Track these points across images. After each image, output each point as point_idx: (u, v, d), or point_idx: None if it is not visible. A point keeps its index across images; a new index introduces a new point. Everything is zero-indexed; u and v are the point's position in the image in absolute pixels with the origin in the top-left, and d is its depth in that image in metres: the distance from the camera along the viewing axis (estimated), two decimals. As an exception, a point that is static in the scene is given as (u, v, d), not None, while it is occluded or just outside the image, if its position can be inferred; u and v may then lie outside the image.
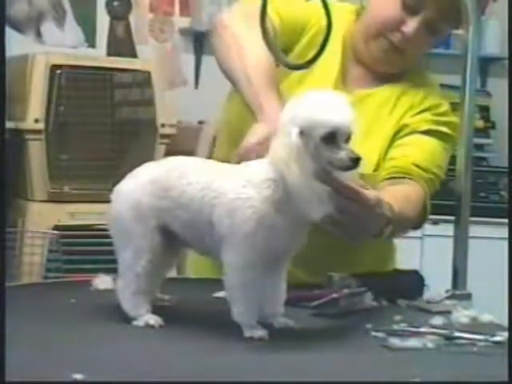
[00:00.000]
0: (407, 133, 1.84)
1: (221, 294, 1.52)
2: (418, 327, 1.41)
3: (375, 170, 1.80)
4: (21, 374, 1.10)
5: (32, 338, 1.30)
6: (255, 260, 1.34)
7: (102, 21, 4.62)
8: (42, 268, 3.66)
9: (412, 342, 1.35)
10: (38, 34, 4.49)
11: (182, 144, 3.68)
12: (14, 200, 3.77)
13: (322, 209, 1.32)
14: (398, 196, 1.65)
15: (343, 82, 1.85)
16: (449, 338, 1.38)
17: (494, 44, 5.03)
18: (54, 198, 3.77)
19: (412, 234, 1.80)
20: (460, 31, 1.79)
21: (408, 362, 1.28)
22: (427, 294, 1.72)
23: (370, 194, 1.43)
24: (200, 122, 4.31)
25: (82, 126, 3.84)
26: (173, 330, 1.39)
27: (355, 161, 1.32)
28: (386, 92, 1.88)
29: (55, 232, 3.70)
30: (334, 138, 1.31)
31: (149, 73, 3.92)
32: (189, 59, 4.78)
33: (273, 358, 1.26)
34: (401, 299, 1.68)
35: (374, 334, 1.40)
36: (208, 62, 4.52)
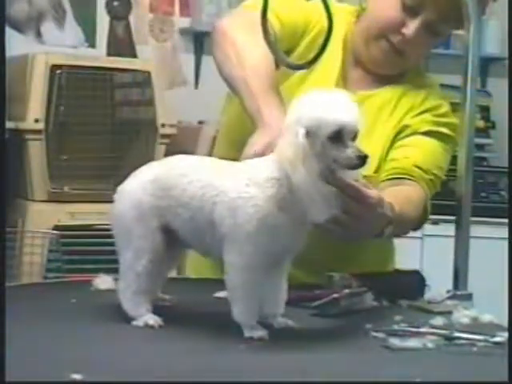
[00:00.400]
0: (408, 134, 1.84)
1: (221, 294, 1.52)
2: (418, 327, 1.41)
3: (376, 172, 1.80)
4: (21, 374, 1.10)
5: (32, 337, 1.30)
6: (257, 260, 1.34)
7: (102, 21, 4.62)
8: (42, 268, 3.66)
9: (412, 343, 1.35)
10: (38, 34, 4.49)
11: (182, 144, 3.68)
12: (14, 200, 3.77)
13: (328, 211, 1.32)
14: (399, 196, 1.65)
15: (344, 83, 1.85)
16: (449, 339, 1.38)
17: (494, 44, 5.03)
18: (54, 198, 3.77)
19: (412, 233, 1.80)
20: (460, 31, 1.79)
21: (408, 361, 1.28)
22: (428, 295, 1.72)
23: (372, 193, 1.43)
24: (200, 122, 4.31)
25: (82, 126, 3.84)
26: (173, 330, 1.39)
27: (363, 159, 1.32)
28: (387, 93, 1.88)
29: (55, 232, 3.70)
30: (340, 136, 1.31)
31: (149, 73, 3.92)
32: (189, 59, 4.78)
33: (273, 358, 1.26)
34: (402, 299, 1.68)
35: (374, 334, 1.40)
36: (208, 62, 4.52)
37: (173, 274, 1.76)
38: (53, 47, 4.36)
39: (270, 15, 1.54)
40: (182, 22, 4.76)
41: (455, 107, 1.84)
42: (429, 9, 1.78)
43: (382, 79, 1.89)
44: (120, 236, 1.45)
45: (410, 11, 1.79)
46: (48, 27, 4.50)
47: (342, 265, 1.73)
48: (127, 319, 1.42)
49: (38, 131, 3.71)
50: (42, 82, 3.71)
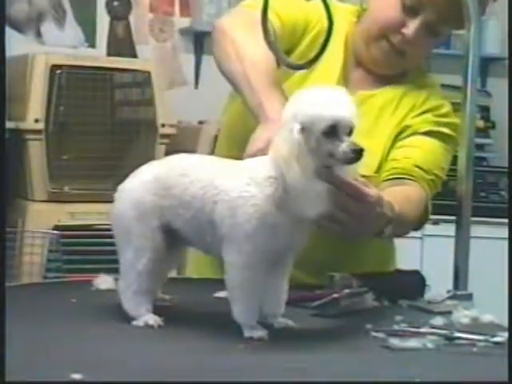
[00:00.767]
0: (409, 134, 1.84)
1: (221, 294, 1.52)
2: (418, 327, 1.41)
3: (377, 172, 1.80)
4: (21, 374, 1.10)
5: (32, 337, 1.30)
6: (256, 259, 1.34)
7: (102, 21, 4.62)
8: (42, 268, 3.67)
9: (412, 343, 1.35)
10: (38, 34, 4.49)
11: (182, 144, 3.68)
12: (14, 200, 3.78)
13: (319, 207, 1.32)
14: (399, 196, 1.65)
15: (345, 83, 1.85)
16: (449, 339, 1.38)
17: (494, 44, 5.03)
18: (54, 198, 3.77)
19: (412, 233, 1.80)
20: (460, 31, 1.79)
21: (408, 362, 1.28)
22: (428, 295, 1.72)
23: (371, 191, 1.43)
24: (200, 122, 4.31)
25: (82, 126, 3.84)
26: (173, 330, 1.39)
27: (358, 152, 1.31)
28: (388, 93, 1.88)
29: (55, 232, 3.70)
30: (335, 131, 1.31)
31: (149, 73, 3.93)
32: (189, 59, 4.78)
33: (273, 358, 1.26)
34: (402, 299, 1.68)
35: (374, 334, 1.40)
36: (208, 62, 4.52)
37: (173, 274, 1.76)
38: (53, 47, 4.36)
39: (270, 14, 1.54)
40: (182, 21, 4.76)
41: (455, 107, 1.84)
42: (429, 9, 1.78)
43: (383, 79, 1.89)
44: (120, 235, 1.45)
45: (410, 11, 1.80)
46: (48, 27, 4.50)
47: (342, 265, 1.73)
48: (127, 319, 1.42)
49: (38, 131, 3.71)
50: (42, 82, 3.71)
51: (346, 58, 1.88)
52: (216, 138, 2.13)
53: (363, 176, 1.44)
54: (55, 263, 3.70)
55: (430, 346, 1.35)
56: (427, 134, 1.84)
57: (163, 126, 3.93)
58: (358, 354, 1.31)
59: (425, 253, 4.47)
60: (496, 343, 1.36)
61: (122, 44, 4.66)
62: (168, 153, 3.64)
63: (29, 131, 3.71)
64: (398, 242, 1.98)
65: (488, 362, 1.30)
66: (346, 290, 1.58)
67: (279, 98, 1.56)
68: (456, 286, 1.74)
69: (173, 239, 1.44)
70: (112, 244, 1.47)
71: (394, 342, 1.35)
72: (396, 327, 1.43)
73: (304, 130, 1.31)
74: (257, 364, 1.23)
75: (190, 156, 1.46)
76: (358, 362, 1.28)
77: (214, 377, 1.16)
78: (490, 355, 1.32)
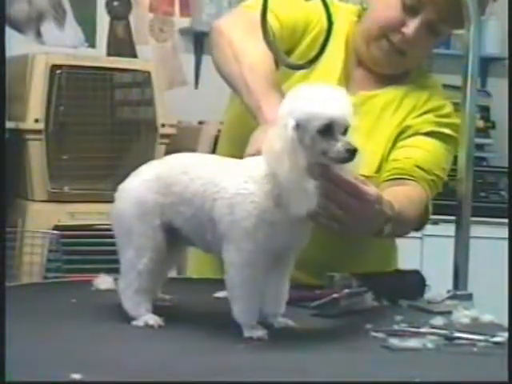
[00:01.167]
0: (410, 134, 1.84)
1: (221, 294, 1.52)
2: (418, 327, 1.41)
3: (377, 172, 1.80)
4: (21, 374, 1.10)
5: (32, 338, 1.30)
6: (256, 257, 1.34)
7: (102, 21, 4.62)
8: (42, 268, 3.67)
9: (412, 343, 1.35)
10: (38, 34, 4.49)
11: (181, 144, 3.68)
12: (14, 200, 3.78)
13: (308, 204, 1.31)
14: (400, 196, 1.65)
15: (346, 83, 1.85)
16: (449, 339, 1.38)
17: (494, 44, 5.03)
18: (54, 198, 3.77)
19: (412, 233, 1.80)
20: (461, 31, 1.79)
21: (408, 362, 1.28)
22: (428, 295, 1.72)
23: (370, 189, 1.43)
24: (200, 122, 4.31)
25: (82, 126, 3.84)
26: (173, 330, 1.39)
27: (352, 152, 1.31)
28: (390, 94, 1.88)
29: (55, 232, 3.70)
30: (330, 130, 1.31)
31: (149, 73, 3.93)
32: (189, 59, 4.78)
33: (273, 358, 1.26)
34: (402, 299, 1.68)
35: (374, 334, 1.40)
36: (208, 61, 4.52)
37: (173, 274, 1.76)
38: (53, 47, 4.36)
39: (269, 16, 1.53)
40: (182, 21, 4.76)
41: (455, 107, 1.84)
42: (428, 8, 1.78)
43: (384, 79, 1.89)
44: (121, 235, 1.45)
45: (410, 10, 1.80)
46: (48, 27, 4.50)
47: (343, 266, 1.73)
48: (127, 319, 1.42)
49: (38, 131, 3.72)
50: (42, 81, 3.72)
51: (347, 58, 1.88)
52: (216, 137, 2.13)
53: (363, 176, 1.44)
54: (55, 263, 3.70)
55: (430, 346, 1.34)
56: (428, 134, 1.84)
57: (163, 126, 3.93)
58: (358, 354, 1.31)
59: (425, 253, 4.47)
60: (496, 343, 1.36)
61: (122, 44, 4.66)
62: (168, 153, 3.62)
63: (29, 131, 3.71)
64: (397, 242, 1.98)
65: (488, 362, 1.30)
66: (346, 290, 1.58)
67: (277, 99, 1.55)
68: (456, 286, 1.74)
69: (174, 238, 1.44)
70: (112, 244, 1.47)
71: (394, 342, 1.35)
72: (396, 327, 1.43)
73: (299, 126, 1.31)
74: (257, 364, 1.23)
75: (190, 155, 1.46)
76: (358, 361, 1.28)
77: (214, 377, 1.16)
78: (490, 355, 1.32)
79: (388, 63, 1.86)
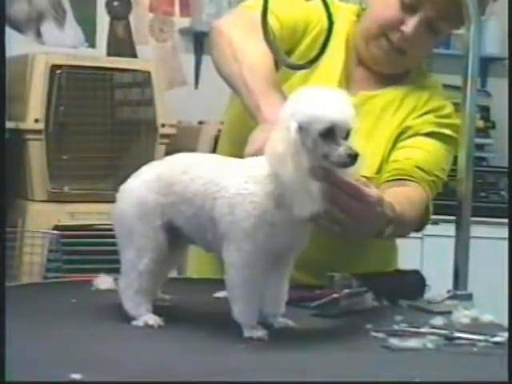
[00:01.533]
0: (410, 135, 1.84)
1: (221, 294, 1.52)
2: (418, 327, 1.41)
3: (378, 173, 1.80)
4: (21, 374, 1.10)
5: (32, 338, 1.30)
6: (256, 257, 1.34)
7: (102, 21, 4.62)
8: (42, 268, 3.67)
9: (412, 343, 1.35)
10: (38, 34, 4.49)
11: (181, 144, 3.68)
12: (14, 200, 3.78)
13: (312, 206, 1.31)
14: (400, 197, 1.65)
15: (347, 83, 1.85)
16: (449, 339, 1.38)
17: (494, 44, 5.03)
18: (54, 198, 3.77)
19: (412, 234, 1.80)
20: (460, 31, 1.79)
21: (408, 362, 1.28)
22: (428, 295, 1.72)
23: (371, 191, 1.43)
24: (200, 122, 4.31)
25: (82, 126, 3.84)
26: (173, 330, 1.39)
27: (353, 157, 1.31)
28: (390, 94, 1.88)
29: (55, 232, 3.70)
30: (332, 133, 1.31)
31: (149, 73, 3.93)
32: (189, 59, 4.78)
33: (273, 358, 1.26)
34: (402, 299, 1.68)
35: (374, 334, 1.40)
36: (208, 61, 4.52)
37: (173, 274, 1.76)
38: (53, 47, 4.36)
39: (269, 15, 1.53)
40: (182, 21, 4.76)
41: (455, 107, 1.84)
42: (427, 6, 1.78)
43: (384, 79, 1.89)
44: (122, 235, 1.45)
45: (409, 9, 1.80)
46: (48, 27, 4.50)
47: (343, 267, 1.72)
48: (127, 319, 1.42)
49: (38, 131, 3.72)
50: (42, 82, 3.72)
51: (348, 58, 1.88)
52: (216, 137, 2.13)
53: (364, 177, 1.44)
54: (55, 263, 3.70)
55: (430, 346, 1.34)
56: (428, 135, 1.84)
57: (163, 125, 3.93)
58: (358, 354, 1.31)
59: (425, 253, 4.47)
60: (496, 343, 1.36)
61: (122, 44, 4.66)
62: (168, 153, 3.63)
63: (29, 131, 3.71)
64: (398, 242, 1.98)
65: (488, 362, 1.30)
66: (346, 290, 1.58)
67: (277, 99, 1.55)
68: (456, 286, 1.73)
69: (175, 238, 1.44)
70: (112, 244, 1.47)
71: (394, 341, 1.35)
72: (396, 327, 1.43)
73: (301, 129, 1.31)
74: (257, 364, 1.23)
75: (190, 154, 1.46)
76: (358, 361, 1.28)
77: (214, 377, 1.16)
78: (490, 355, 1.32)
79: (388, 62, 1.86)
